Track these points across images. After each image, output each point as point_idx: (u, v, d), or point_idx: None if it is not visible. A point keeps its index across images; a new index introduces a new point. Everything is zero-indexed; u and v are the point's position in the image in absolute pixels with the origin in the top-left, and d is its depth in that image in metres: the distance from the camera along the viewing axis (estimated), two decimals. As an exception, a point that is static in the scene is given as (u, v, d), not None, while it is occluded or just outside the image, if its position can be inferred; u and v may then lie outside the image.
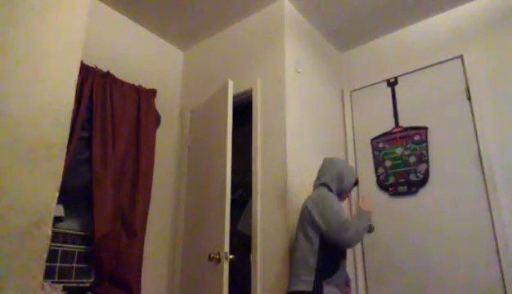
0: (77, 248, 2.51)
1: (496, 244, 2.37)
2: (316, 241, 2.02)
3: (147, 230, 2.80)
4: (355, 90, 3.33)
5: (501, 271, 2.32)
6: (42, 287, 1.94)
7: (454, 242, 2.52)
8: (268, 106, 2.72)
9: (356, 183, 2.27)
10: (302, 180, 2.57)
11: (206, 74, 3.29)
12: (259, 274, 2.41)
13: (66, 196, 2.38)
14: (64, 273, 2.41)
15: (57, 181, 1.40)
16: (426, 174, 2.74)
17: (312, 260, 1.99)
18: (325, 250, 2.02)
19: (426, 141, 2.80)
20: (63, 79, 1.50)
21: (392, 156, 2.93)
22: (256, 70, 2.88)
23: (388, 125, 3.02)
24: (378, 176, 2.98)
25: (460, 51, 2.80)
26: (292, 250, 2.25)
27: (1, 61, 1.33)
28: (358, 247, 2.94)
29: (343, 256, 2.09)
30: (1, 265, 1.19)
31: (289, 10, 2.89)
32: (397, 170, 2.88)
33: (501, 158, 2.48)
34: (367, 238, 2.92)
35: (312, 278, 1.96)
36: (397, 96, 3.05)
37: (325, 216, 2.00)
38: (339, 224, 1.95)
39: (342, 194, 2.23)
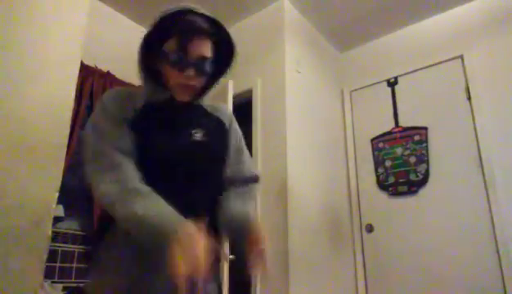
0: (77, 248, 2.51)
1: (496, 244, 2.37)
2: None
3: (147, 230, 2.79)
4: (355, 90, 3.33)
5: (501, 271, 2.32)
6: (42, 287, 1.93)
7: (454, 242, 2.52)
8: (268, 106, 2.72)
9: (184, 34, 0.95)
10: (302, 180, 2.57)
11: (206, 74, 3.29)
12: (259, 274, 2.41)
13: (66, 196, 2.37)
14: (64, 274, 2.41)
15: (57, 181, 1.40)
16: (426, 174, 2.74)
17: None
18: None
19: (426, 141, 2.80)
20: (63, 79, 1.50)
21: (392, 156, 2.93)
22: (256, 70, 2.88)
23: (388, 125, 3.02)
24: (378, 176, 2.97)
25: (460, 51, 2.80)
26: None
27: (1, 61, 1.33)
28: (358, 246, 2.94)
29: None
30: (1, 265, 1.19)
31: (289, 10, 2.89)
32: (397, 170, 2.88)
33: (501, 158, 2.48)
34: (367, 238, 2.92)
35: None
36: (397, 96, 3.05)
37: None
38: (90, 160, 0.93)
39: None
